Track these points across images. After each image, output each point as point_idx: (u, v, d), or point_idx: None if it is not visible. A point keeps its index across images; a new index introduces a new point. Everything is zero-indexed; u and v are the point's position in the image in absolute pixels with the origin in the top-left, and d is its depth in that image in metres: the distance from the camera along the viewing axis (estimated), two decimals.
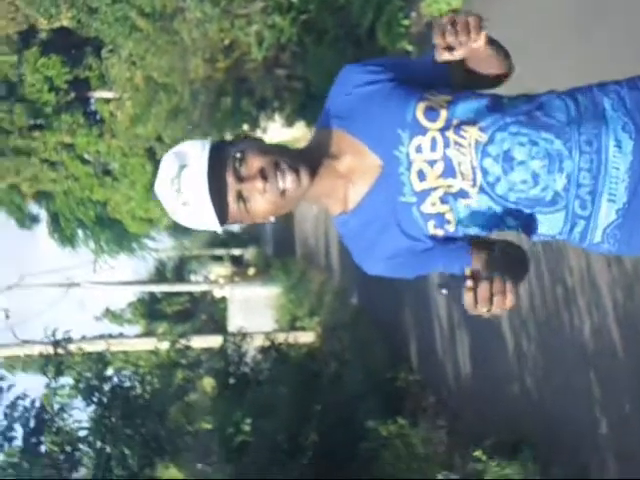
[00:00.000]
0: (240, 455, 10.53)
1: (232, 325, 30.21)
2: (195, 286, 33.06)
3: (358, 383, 10.98)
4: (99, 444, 7.97)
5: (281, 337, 14.54)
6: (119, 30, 14.27)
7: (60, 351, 9.10)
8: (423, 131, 2.12)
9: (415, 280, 2.37)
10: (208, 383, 12.54)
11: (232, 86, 14.87)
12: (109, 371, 8.68)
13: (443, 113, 2.11)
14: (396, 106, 2.15)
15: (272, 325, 22.64)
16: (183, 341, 10.59)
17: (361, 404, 10.36)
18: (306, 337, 17.43)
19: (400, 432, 9.22)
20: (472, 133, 2.08)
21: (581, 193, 2.05)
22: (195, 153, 2.09)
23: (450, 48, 1.94)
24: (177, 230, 29.61)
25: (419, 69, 2.24)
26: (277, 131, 19.87)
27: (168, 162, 2.13)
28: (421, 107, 2.13)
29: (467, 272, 1.89)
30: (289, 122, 16.77)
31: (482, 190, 2.10)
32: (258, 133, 17.16)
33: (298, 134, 23.71)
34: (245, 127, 16.52)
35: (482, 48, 1.98)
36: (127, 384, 8.48)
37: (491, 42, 2.05)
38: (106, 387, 8.50)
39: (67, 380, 8.94)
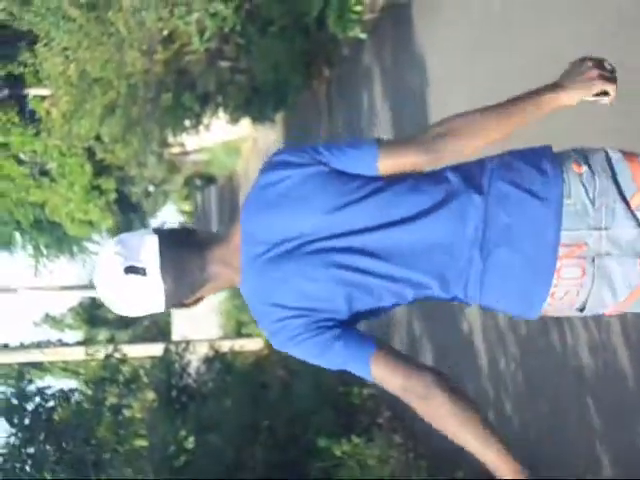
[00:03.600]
0: (182, 474, 9.92)
1: (176, 331, 29.59)
2: None
3: (308, 397, 10.29)
4: (18, 472, 7.19)
5: (226, 345, 13.96)
6: (52, 22, 13.43)
7: None
8: None
9: None
10: (149, 397, 11.85)
11: (172, 80, 14.09)
12: (32, 387, 7.89)
13: None
14: None
15: (217, 331, 21.94)
16: (117, 354, 9.80)
17: (312, 419, 9.70)
18: (253, 344, 16.74)
19: (354, 451, 8.55)
20: None
21: None
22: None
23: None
24: (119, 233, 28.93)
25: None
26: (221, 129, 19.19)
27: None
28: None
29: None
30: (233, 119, 16.04)
31: None
32: (201, 130, 16.44)
33: (243, 132, 22.99)
34: (187, 123, 15.77)
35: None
36: (51, 403, 7.70)
37: None
38: (29, 406, 7.72)
39: None
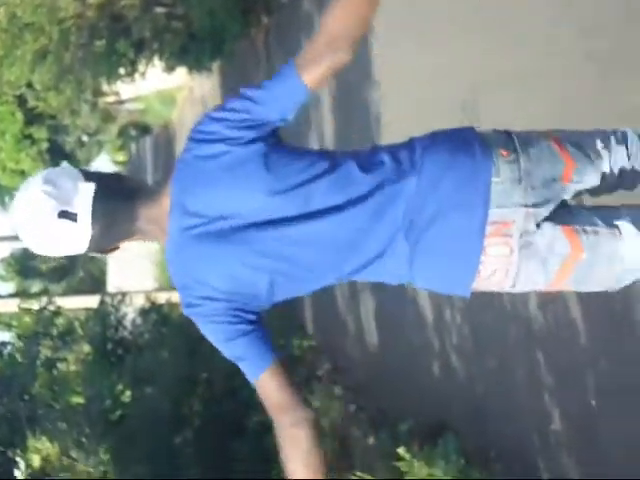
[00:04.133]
0: (119, 427, 9.79)
1: (111, 282, 29.34)
2: None
3: None
4: None
5: (163, 297, 13.78)
6: None
7: None
8: None
9: None
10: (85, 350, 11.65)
11: (106, 25, 13.71)
12: None
13: None
14: None
15: (153, 283, 21.76)
16: (52, 307, 9.60)
17: None
18: None
19: None
20: None
21: None
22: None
23: None
24: None
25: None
26: (157, 77, 18.83)
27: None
28: None
29: None
30: (169, 67, 15.73)
31: None
32: (136, 78, 16.09)
33: (179, 81, 22.64)
34: (122, 71, 15.41)
35: None
36: None
37: None
38: None
39: None
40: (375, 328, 8.67)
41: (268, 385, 2.25)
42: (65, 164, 2.34)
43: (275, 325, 11.27)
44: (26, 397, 7.71)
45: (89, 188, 2.23)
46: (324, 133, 10.65)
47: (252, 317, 2.29)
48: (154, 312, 12.44)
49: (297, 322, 11.38)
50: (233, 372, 8.01)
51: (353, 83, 9.44)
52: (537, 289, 2.33)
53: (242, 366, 2.29)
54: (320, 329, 10.96)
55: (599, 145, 2.34)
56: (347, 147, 2.69)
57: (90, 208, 2.22)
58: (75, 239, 2.25)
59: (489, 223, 2.18)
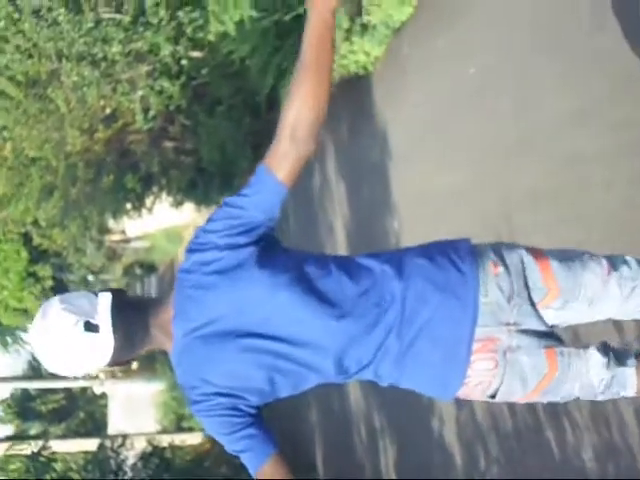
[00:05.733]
0: None
1: (112, 424, 28.78)
2: (73, 382, 31.39)
3: None
4: None
5: (166, 440, 13.32)
6: None
7: None
8: None
9: None
10: None
11: (114, 160, 13.58)
12: None
13: None
14: None
15: (155, 425, 21.23)
16: (45, 452, 9.11)
17: None
18: (193, 439, 16.07)
19: None
20: None
21: None
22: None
23: None
24: None
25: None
26: (164, 212, 18.73)
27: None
28: None
29: None
30: (177, 202, 15.62)
31: None
32: (144, 213, 15.94)
33: (186, 218, 22.54)
34: (129, 206, 15.25)
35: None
36: None
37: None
38: None
39: None
40: (395, 473, 8.12)
41: (269, 474, 2.39)
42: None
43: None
44: None
45: (107, 297, 2.37)
46: None
47: (253, 411, 2.44)
48: (156, 456, 12.04)
49: (307, 461, 11.06)
50: None
51: (370, 211, 9.16)
52: (513, 400, 2.48)
53: (244, 458, 2.43)
54: (333, 470, 10.58)
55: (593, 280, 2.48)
56: None
57: (110, 317, 2.33)
58: (99, 351, 2.34)
59: (476, 340, 2.34)
